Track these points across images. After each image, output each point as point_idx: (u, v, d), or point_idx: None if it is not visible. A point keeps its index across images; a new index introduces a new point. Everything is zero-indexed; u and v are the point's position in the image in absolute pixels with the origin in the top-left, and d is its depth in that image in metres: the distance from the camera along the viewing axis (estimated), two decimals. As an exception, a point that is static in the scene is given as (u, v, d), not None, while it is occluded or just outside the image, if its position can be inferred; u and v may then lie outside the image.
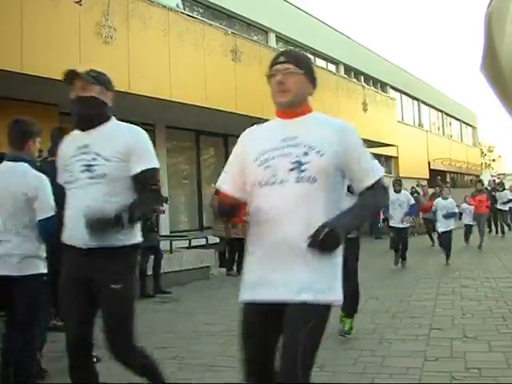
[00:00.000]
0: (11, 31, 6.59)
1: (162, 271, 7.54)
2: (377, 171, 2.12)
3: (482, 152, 44.54)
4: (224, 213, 2.34)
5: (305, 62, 2.15)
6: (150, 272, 7.29)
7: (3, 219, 3.16)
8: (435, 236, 11.81)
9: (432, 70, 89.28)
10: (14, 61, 6.51)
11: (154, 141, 11.31)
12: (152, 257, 7.37)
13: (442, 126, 31.32)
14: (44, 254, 3.34)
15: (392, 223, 9.85)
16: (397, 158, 23.15)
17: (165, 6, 9.27)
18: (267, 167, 2.01)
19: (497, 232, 15.87)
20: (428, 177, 25.04)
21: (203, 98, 9.43)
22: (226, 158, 2.41)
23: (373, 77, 21.98)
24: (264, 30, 15.91)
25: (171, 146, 11.94)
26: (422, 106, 28.00)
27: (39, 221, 3.16)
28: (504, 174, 34.42)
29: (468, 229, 12.70)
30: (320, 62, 18.23)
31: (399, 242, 9.66)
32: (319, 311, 1.95)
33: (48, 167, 3.43)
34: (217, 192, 2.45)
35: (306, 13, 17.79)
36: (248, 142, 2.16)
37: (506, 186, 17.19)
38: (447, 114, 31.88)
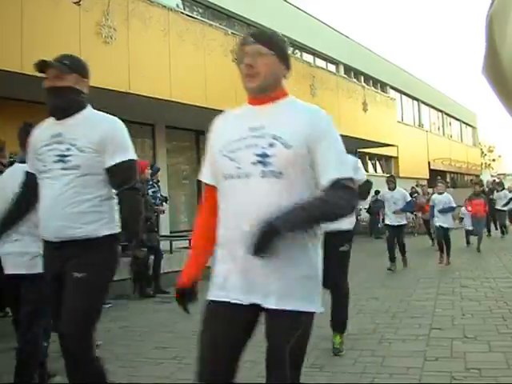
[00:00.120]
0: (11, 31, 6.58)
1: (162, 271, 7.54)
2: (345, 168, 1.83)
3: (482, 152, 44.56)
4: None
5: (276, 41, 1.92)
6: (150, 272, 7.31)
7: None
8: (434, 235, 11.74)
9: (432, 69, 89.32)
10: (14, 61, 6.50)
11: (154, 141, 11.33)
12: (152, 257, 7.38)
13: (442, 126, 31.33)
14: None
15: (387, 221, 9.65)
16: (397, 158, 23.17)
17: (165, 6, 9.26)
18: (231, 159, 1.83)
19: (496, 229, 15.80)
20: (428, 177, 25.05)
21: (203, 98, 9.43)
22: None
23: (373, 77, 21.99)
24: (264, 30, 15.91)
25: (171, 146, 11.93)
26: (422, 105, 28.01)
27: None
28: (504, 174, 34.45)
29: (468, 234, 12.69)
30: (320, 62, 18.23)
31: (393, 240, 9.34)
32: (294, 317, 1.79)
33: None
34: None
35: (305, 13, 17.79)
36: (217, 131, 1.99)
37: (506, 186, 17.16)
38: (447, 114, 31.89)
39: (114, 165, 2.46)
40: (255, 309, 1.82)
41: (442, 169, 27.78)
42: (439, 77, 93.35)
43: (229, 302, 1.82)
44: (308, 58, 17.55)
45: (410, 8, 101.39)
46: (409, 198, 9.80)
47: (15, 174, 3.20)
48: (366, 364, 3.90)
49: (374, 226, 16.82)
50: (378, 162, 23.03)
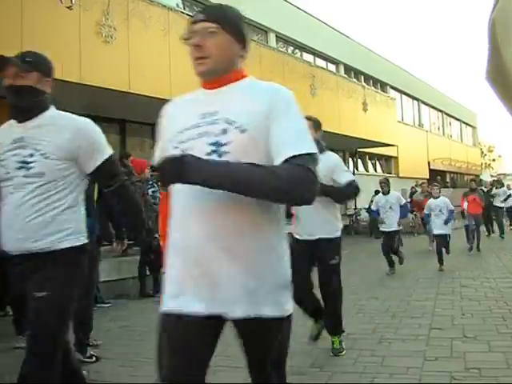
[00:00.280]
0: (11, 31, 6.59)
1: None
2: (305, 145, 1.53)
3: (482, 152, 44.57)
4: None
5: (230, 17, 1.66)
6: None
7: None
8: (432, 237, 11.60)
9: (432, 69, 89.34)
10: (14, 60, 6.50)
11: (154, 140, 11.31)
12: (152, 256, 7.37)
13: (442, 126, 31.34)
14: None
15: (383, 228, 9.10)
16: (397, 158, 23.18)
17: (165, 6, 9.26)
18: (183, 150, 1.58)
19: (493, 231, 15.63)
20: (428, 177, 25.05)
21: (203, 98, 9.42)
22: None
23: (373, 77, 22.00)
24: (264, 30, 15.91)
25: (171, 146, 11.94)
26: (422, 105, 28.02)
27: None
28: (504, 174, 34.44)
29: (468, 229, 12.59)
30: (320, 62, 18.24)
31: (388, 246, 8.91)
32: (270, 326, 1.60)
33: None
34: None
35: (305, 13, 17.79)
36: (167, 118, 1.78)
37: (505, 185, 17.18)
38: (447, 114, 31.90)
39: (96, 168, 2.34)
40: (218, 320, 1.59)
41: (441, 169, 27.79)
42: (439, 77, 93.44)
43: (185, 314, 1.57)
44: (308, 57, 17.56)
45: (410, 8, 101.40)
46: (403, 201, 9.35)
47: None
48: (366, 364, 3.90)
49: (373, 225, 16.82)
50: (377, 162, 23.04)
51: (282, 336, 1.66)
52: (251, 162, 1.50)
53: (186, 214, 1.60)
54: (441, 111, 30.93)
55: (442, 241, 9.18)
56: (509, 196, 15.73)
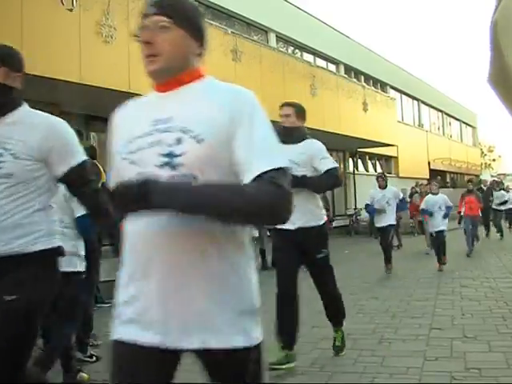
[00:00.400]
0: (11, 31, 6.58)
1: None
2: (274, 158, 1.35)
3: (482, 152, 44.59)
4: None
5: (185, 11, 1.47)
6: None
7: None
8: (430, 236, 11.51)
9: (432, 69, 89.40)
10: (14, 60, 6.51)
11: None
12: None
13: (442, 126, 31.36)
14: (82, 253, 3.41)
15: (378, 224, 8.95)
16: (397, 158, 23.19)
17: (165, 6, 9.27)
18: (132, 162, 1.40)
19: (488, 234, 15.54)
20: (428, 177, 25.04)
21: (203, 98, 9.43)
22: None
23: (373, 77, 22.01)
24: (264, 30, 15.92)
25: (171, 146, 11.95)
26: (422, 105, 28.04)
27: (77, 218, 3.27)
28: (504, 174, 34.50)
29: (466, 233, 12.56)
30: (320, 62, 18.25)
31: (385, 241, 8.77)
32: (237, 357, 1.42)
33: None
34: None
35: (305, 12, 17.80)
36: (116, 126, 1.56)
37: (504, 186, 17.14)
38: (447, 114, 31.93)
39: (67, 172, 2.18)
40: (176, 352, 1.41)
41: (441, 169, 27.81)
42: (439, 77, 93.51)
43: (139, 345, 1.39)
44: (308, 57, 17.57)
45: (410, 8, 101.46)
46: (401, 196, 9.27)
47: None
48: (366, 364, 3.90)
49: (373, 225, 16.80)
50: (377, 162, 23.05)
51: (253, 368, 1.45)
52: (208, 175, 1.33)
53: (141, 239, 1.42)
54: (441, 111, 30.95)
55: (440, 237, 9.17)
56: (505, 202, 15.68)
